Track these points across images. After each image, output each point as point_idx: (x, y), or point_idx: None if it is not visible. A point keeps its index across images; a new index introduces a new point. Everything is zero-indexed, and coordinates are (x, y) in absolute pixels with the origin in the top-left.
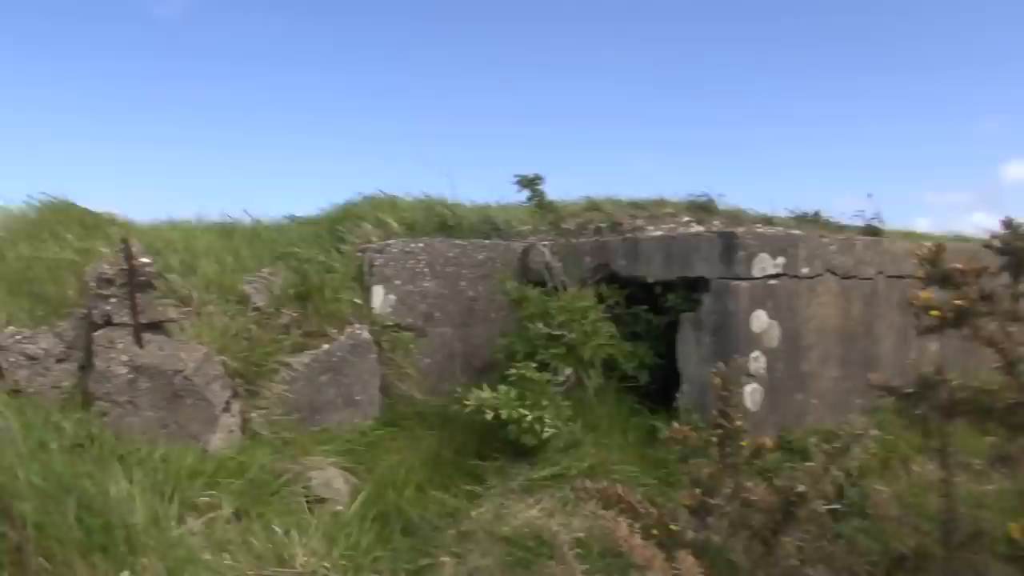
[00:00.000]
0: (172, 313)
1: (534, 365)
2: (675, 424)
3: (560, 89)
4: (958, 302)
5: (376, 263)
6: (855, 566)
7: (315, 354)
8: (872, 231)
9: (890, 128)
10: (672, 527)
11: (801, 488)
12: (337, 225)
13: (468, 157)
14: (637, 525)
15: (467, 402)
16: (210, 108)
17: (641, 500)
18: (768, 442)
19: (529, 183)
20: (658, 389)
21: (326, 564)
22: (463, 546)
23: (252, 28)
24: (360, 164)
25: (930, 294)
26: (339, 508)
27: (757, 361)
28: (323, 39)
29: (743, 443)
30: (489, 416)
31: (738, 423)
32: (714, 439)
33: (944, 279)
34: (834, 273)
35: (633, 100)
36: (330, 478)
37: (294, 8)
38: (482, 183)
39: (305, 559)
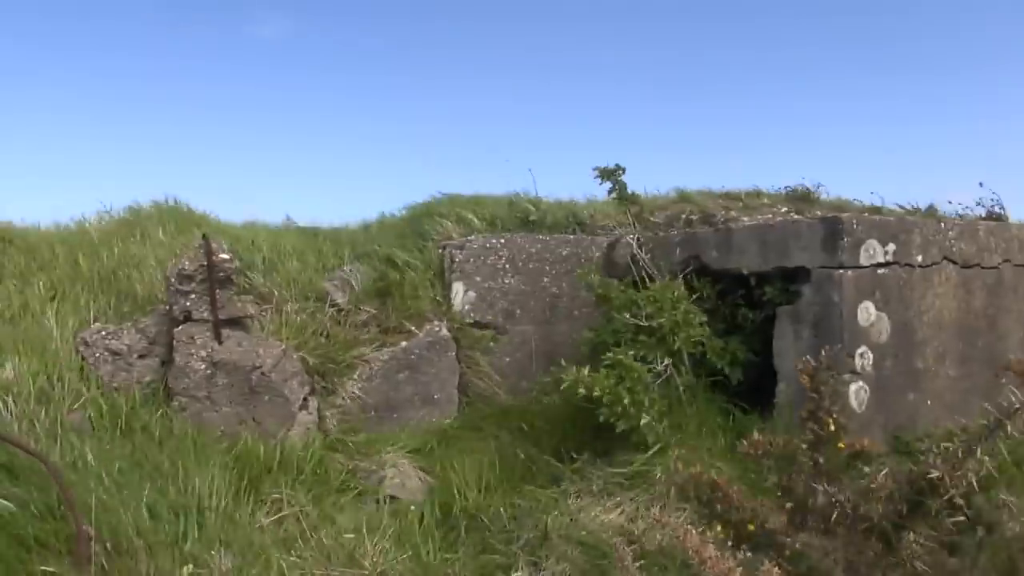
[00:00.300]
0: (251, 309)
1: (632, 353)
2: (756, 435)
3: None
4: None
5: (456, 259)
6: None
7: (393, 351)
8: (995, 218)
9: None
10: (768, 525)
11: (936, 473)
12: (418, 223)
13: (548, 158)
14: (718, 522)
15: (564, 377)
16: (291, 118)
17: (738, 490)
18: (868, 444)
19: (609, 174)
20: (751, 388)
21: (395, 566)
22: (538, 551)
23: (354, 42)
24: (440, 167)
25: None
26: (412, 508)
27: (863, 357)
28: (399, 46)
29: (840, 444)
30: (582, 392)
31: (831, 427)
32: (804, 445)
33: None
34: (953, 261)
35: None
36: (404, 477)
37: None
38: (564, 182)
39: (375, 559)
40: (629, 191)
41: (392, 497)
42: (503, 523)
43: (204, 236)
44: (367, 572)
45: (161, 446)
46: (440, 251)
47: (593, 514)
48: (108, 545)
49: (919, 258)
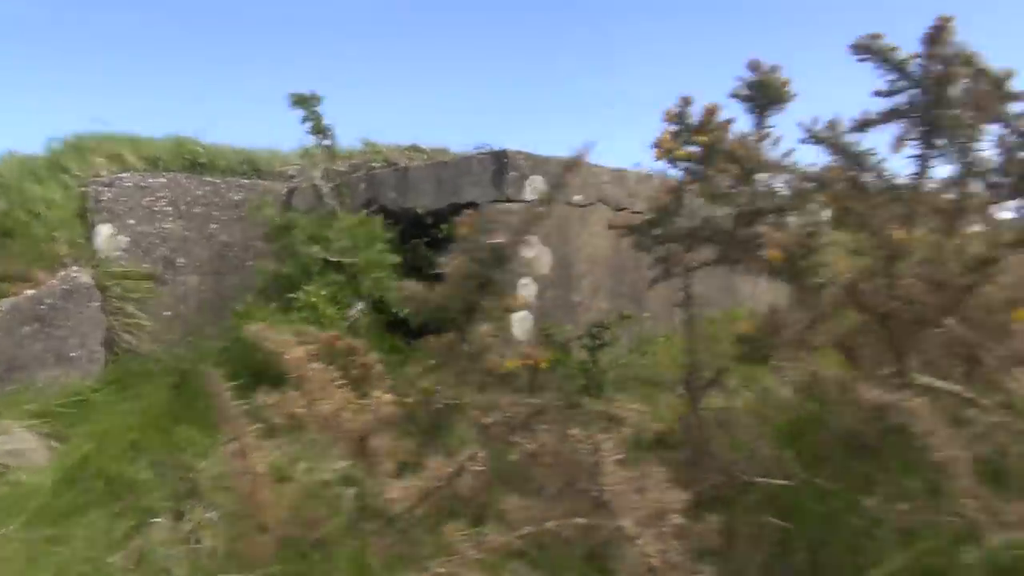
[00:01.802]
0: None
1: (324, 293)
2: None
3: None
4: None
5: (103, 198)
6: None
7: (16, 301)
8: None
9: None
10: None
11: None
12: (60, 160)
13: (233, 111)
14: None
15: (238, 322)
16: None
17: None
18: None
19: (304, 101)
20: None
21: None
22: (184, 502)
23: None
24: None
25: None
26: (24, 477)
27: (527, 288)
28: None
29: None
30: (268, 347)
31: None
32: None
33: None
34: (606, 204)
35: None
36: (21, 444)
37: None
38: (246, 134)
39: None
40: (324, 124)
41: (5, 467)
42: (146, 482)
43: None
44: None
45: None
46: (83, 190)
47: (254, 458)
48: None
49: (578, 197)
